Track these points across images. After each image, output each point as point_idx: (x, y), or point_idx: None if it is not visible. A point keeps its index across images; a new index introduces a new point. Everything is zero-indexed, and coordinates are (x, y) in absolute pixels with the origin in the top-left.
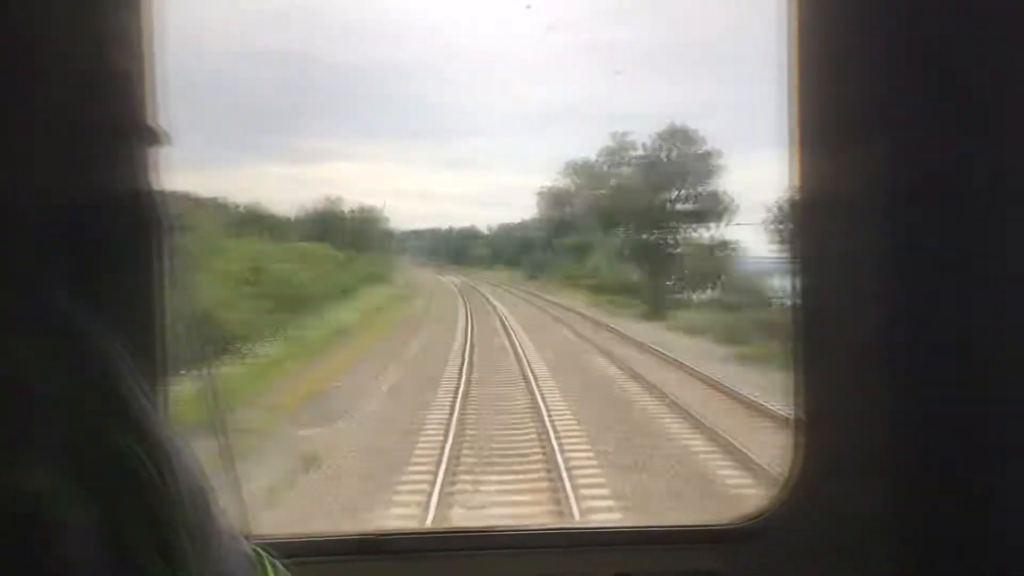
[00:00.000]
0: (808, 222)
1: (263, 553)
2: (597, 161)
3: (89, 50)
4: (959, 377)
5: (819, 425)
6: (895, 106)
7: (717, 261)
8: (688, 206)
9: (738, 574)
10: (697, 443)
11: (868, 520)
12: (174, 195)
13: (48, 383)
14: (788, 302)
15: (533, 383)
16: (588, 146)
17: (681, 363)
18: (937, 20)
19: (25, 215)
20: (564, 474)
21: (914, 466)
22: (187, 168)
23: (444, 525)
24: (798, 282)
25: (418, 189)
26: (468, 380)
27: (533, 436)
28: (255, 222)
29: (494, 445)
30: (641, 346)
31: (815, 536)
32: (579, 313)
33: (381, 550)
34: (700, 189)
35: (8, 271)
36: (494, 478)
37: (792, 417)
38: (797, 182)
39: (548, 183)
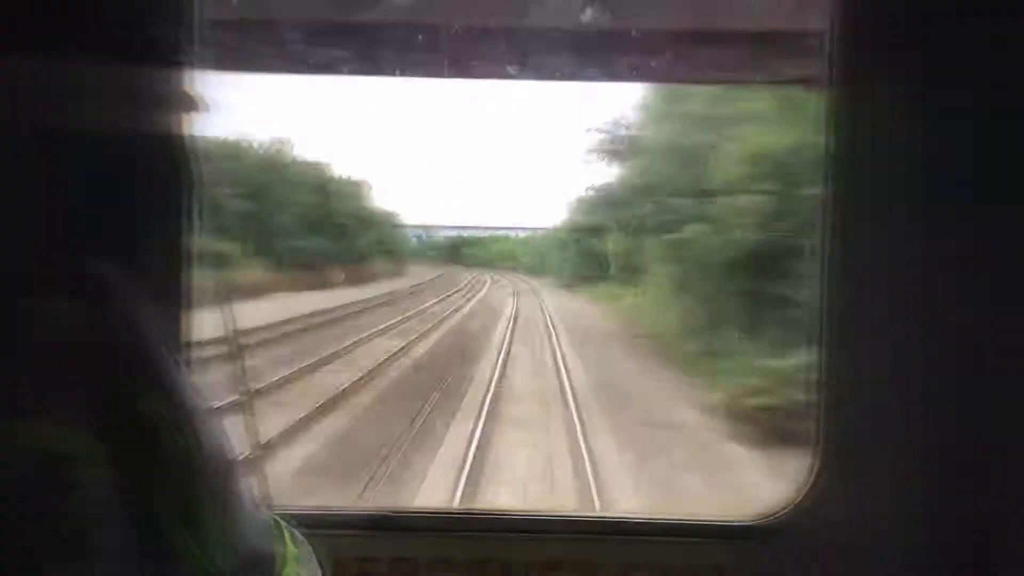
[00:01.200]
0: (837, 224)
1: (283, 523)
2: None
3: (135, 21)
4: (981, 380)
5: (837, 427)
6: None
7: None
8: None
9: (747, 571)
10: None
11: (882, 522)
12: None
13: (78, 346)
14: (815, 306)
15: None
16: None
17: None
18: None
19: (60, 177)
20: None
21: (931, 467)
22: None
23: (459, 507)
24: (824, 286)
25: None
26: None
27: None
28: None
29: None
30: None
31: (829, 536)
32: None
33: (397, 526)
34: None
35: (43, 233)
36: None
37: (812, 418)
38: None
39: None
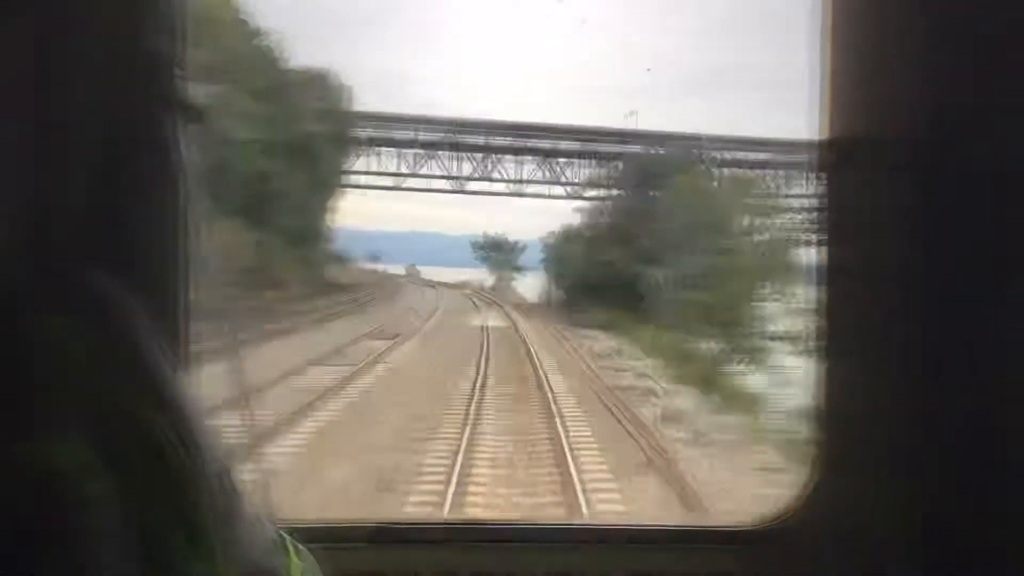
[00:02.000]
0: (835, 226)
1: (287, 536)
2: None
3: (128, 31)
4: (983, 382)
5: (838, 429)
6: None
7: None
8: None
9: None
10: None
11: (886, 527)
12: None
13: (76, 358)
14: (811, 307)
15: None
16: None
17: None
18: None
19: (57, 189)
20: None
21: (935, 471)
22: None
23: (460, 518)
24: (822, 285)
25: None
26: None
27: None
28: None
29: None
30: None
31: (831, 541)
32: None
33: (399, 539)
34: None
35: (39, 245)
36: None
37: (812, 420)
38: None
39: None
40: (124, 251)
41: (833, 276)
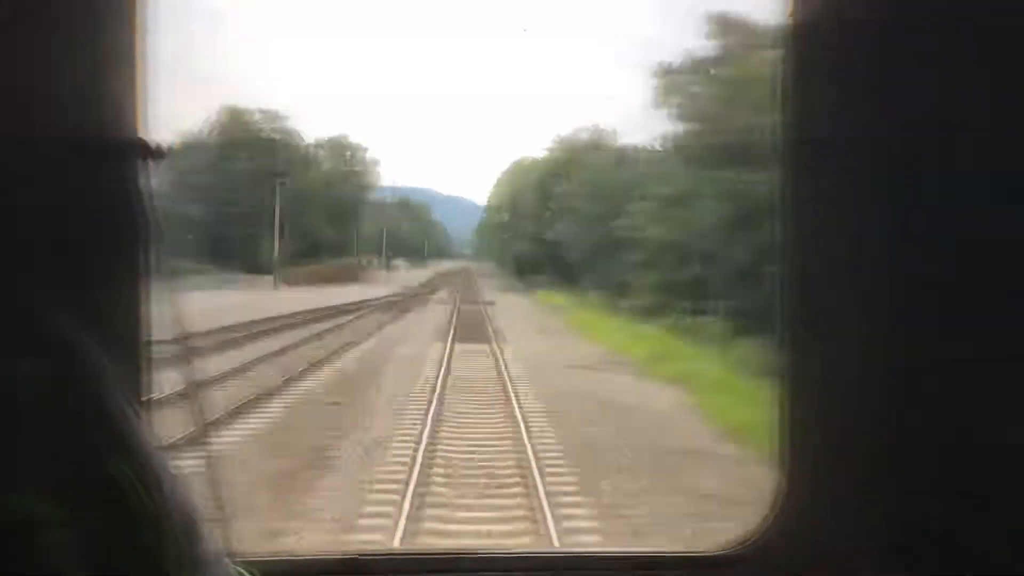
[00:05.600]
0: (801, 222)
1: (248, 573)
2: None
3: (85, 69)
4: (958, 389)
5: (804, 450)
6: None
7: None
8: None
9: None
10: None
11: (852, 547)
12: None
13: (42, 407)
14: (777, 324)
15: None
16: None
17: None
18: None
19: (21, 233)
20: None
21: (903, 489)
22: None
23: (424, 547)
24: (786, 293)
25: None
26: None
27: None
28: None
29: None
30: None
31: (798, 563)
32: None
33: (362, 570)
34: None
35: (6, 292)
36: None
37: (777, 442)
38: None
39: None
40: (87, 294)
41: (794, 282)
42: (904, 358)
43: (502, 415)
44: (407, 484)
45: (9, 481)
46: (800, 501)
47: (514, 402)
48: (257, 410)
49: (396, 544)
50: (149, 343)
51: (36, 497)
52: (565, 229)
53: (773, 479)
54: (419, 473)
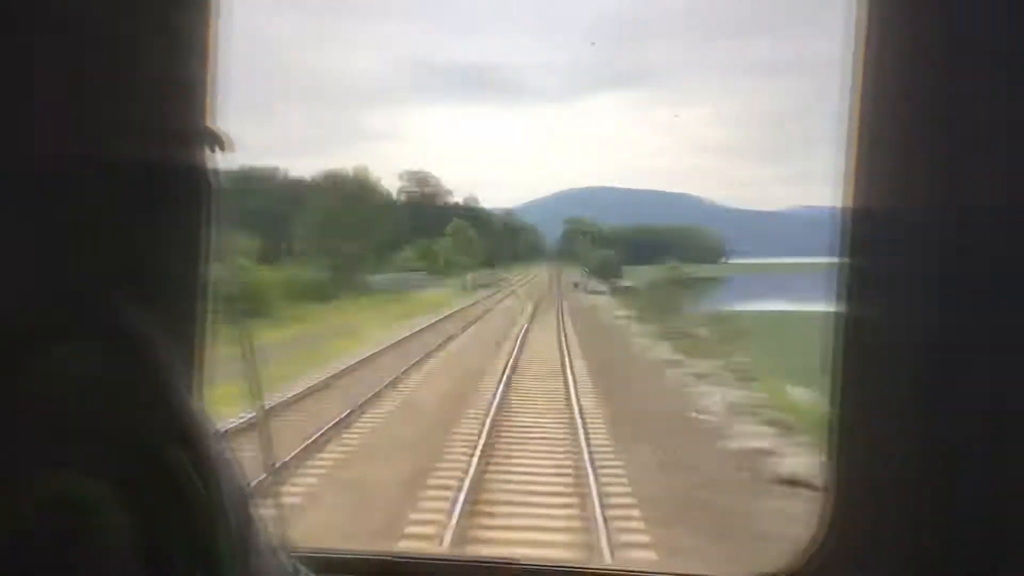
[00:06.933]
0: (860, 242)
1: (300, 568)
2: None
3: (157, 53)
4: (1004, 420)
5: (853, 475)
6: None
7: None
8: None
9: None
10: None
11: (900, 568)
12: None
13: (96, 391)
14: (831, 343)
15: None
16: None
17: None
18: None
19: (87, 219)
20: None
21: (954, 519)
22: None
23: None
24: (843, 311)
25: None
26: None
27: None
28: None
29: None
30: None
31: None
32: None
33: (412, 571)
34: None
35: (70, 277)
36: None
37: (825, 466)
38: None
39: None
40: (146, 278)
41: (848, 312)
42: (956, 390)
43: None
44: None
45: (66, 462)
46: (848, 528)
47: None
48: None
49: None
50: (210, 331)
51: (91, 479)
52: None
53: (822, 502)
54: None
